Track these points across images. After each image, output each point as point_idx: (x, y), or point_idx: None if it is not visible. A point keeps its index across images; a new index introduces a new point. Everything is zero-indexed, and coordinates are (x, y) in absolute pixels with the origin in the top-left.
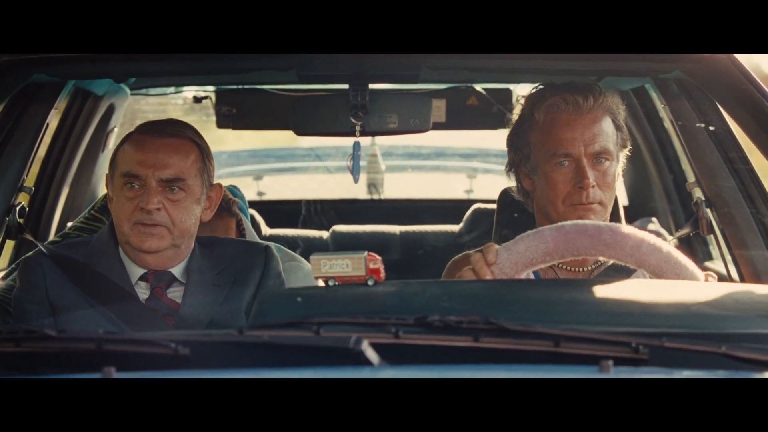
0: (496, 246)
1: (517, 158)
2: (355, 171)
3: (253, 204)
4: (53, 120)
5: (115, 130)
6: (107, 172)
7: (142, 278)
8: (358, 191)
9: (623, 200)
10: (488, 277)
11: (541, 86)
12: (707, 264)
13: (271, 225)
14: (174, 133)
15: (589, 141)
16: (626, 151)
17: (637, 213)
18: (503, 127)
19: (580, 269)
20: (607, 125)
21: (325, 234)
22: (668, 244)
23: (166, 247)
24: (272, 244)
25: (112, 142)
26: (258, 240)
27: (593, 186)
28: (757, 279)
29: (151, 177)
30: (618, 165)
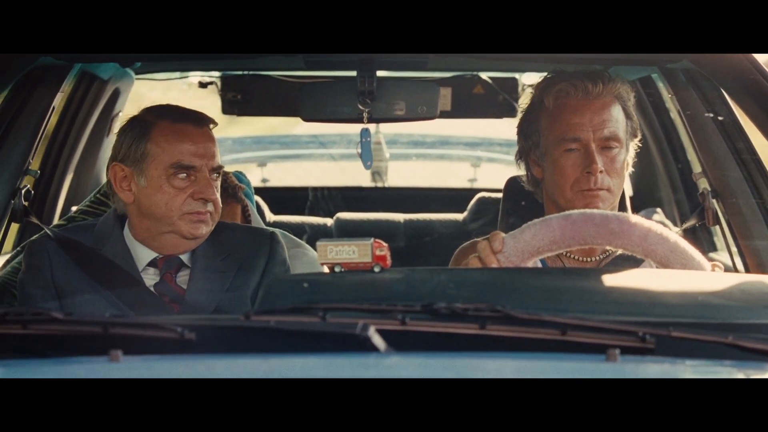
0: (503, 234)
1: (527, 146)
2: (365, 157)
3: (257, 190)
4: (59, 103)
5: (120, 114)
6: (119, 162)
7: (151, 264)
8: (363, 179)
9: (629, 190)
10: (494, 265)
11: (551, 73)
12: (712, 255)
13: (275, 211)
14: (205, 120)
15: (598, 126)
16: (636, 141)
17: (642, 203)
18: (508, 115)
19: (588, 259)
20: (616, 112)
21: (329, 221)
22: (675, 234)
23: (209, 232)
24: (278, 231)
25: (117, 126)
26: (263, 226)
27: (601, 171)
28: (763, 270)
29: (206, 167)
30: (627, 153)
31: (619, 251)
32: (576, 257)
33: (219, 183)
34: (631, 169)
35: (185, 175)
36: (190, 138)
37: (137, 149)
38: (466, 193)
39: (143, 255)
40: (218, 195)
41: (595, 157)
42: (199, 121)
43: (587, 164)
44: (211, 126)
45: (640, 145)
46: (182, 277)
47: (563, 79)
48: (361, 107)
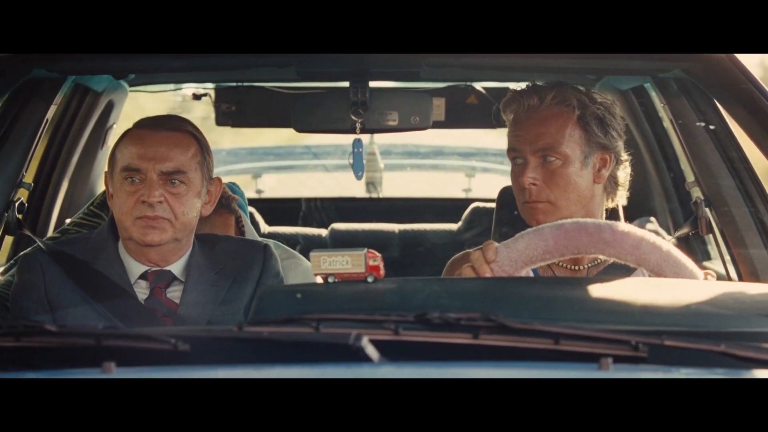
0: (496, 244)
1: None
2: (356, 168)
3: (252, 202)
4: (52, 116)
5: (114, 126)
6: (106, 169)
7: (141, 277)
8: (357, 190)
9: (622, 200)
10: (488, 274)
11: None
12: (706, 264)
13: (270, 223)
14: (173, 127)
15: (534, 138)
16: (625, 155)
17: (635, 212)
18: (502, 126)
19: (578, 267)
20: (560, 124)
21: (323, 232)
22: (668, 243)
23: (168, 241)
24: (271, 241)
25: (111, 138)
26: (257, 237)
27: (534, 184)
28: (756, 278)
29: (152, 170)
30: (588, 167)
31: (611, 260)
32: (566, 266)
33: (187, 189)
34: (619, 178)
35: (136, 179)
36: (140, 142)
37: (110, 158)
38: (461, 203)
39: (134, 268)
40: (176, 201)
41: (527, 170)
42: (159, 126)
43: (522, 176)
44: (182, 131)
45: (628, 157)
46: (174, 292)
47: (515, 93)
48: (353, 117)
